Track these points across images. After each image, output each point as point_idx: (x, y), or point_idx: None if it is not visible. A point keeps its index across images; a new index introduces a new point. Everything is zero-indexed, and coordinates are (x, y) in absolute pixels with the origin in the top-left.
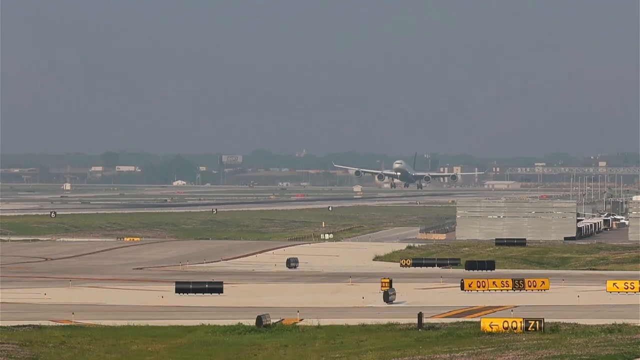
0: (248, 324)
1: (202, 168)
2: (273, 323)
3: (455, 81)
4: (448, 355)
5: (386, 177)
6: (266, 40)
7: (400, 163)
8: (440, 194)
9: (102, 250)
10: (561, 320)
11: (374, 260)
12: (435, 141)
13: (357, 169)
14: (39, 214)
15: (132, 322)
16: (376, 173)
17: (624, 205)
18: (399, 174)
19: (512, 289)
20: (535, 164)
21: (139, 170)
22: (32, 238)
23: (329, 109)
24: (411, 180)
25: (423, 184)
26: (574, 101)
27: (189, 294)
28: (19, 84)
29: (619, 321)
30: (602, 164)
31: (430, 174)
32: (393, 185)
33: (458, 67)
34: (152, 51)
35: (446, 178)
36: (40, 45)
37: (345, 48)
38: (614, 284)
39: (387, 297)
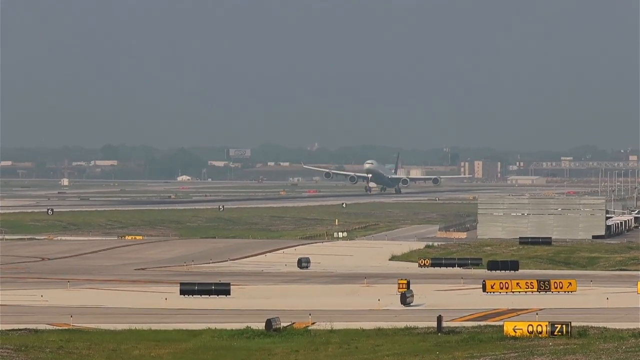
0: (257, 328)
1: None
2: (283, 327)
3: (476, 72)
4: None
5: (359, 180)
6: (277, 31)
7: (371, 163)
8: (460, 190)
9: (102, 250)
10: (589, 324)
11: (390, 260)
12: (456, 134)
13: (327, 170)
14: (35, 211)
15: (133, 326)
16: (348, 175)
17: None
18: (369, 175)
19: (537, 291)
20: (562, 158)
21: (141, 164)
22: (28, 237)
23: (342, 100)
24: (387, 183)
25: (402, 188)
26: (602, 92)
27: (194, 296)
28: (14, 74)
29: None
30: (632, 157)
31: (409, 176)
32: (368, 189)
33: (479, 58)
34: (156, 43)
35: (428, 181)
36: (39, 36)
37: (361, 39)
38: None
39: (405, 299)
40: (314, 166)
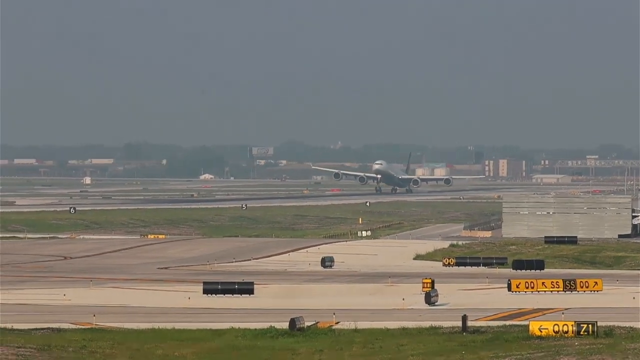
0: (281, 327)
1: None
2: (307, 326)
3: (501, 69)
4: None
5: (368, 180)
6: (300, 29)
7: (381, 164)
8: (484, 189)
9: (125, 249)
10: (616, 324)
11: (414, 259)
12: (481, 132)
13: (336, 171)
14: (57, 209)
15: (157, 325)
16: (357, 175)
17: None
18: (379, 176)
19: (563, 290)
20: (587, 156)
21: (163, 162)
22: (50, 235)
23: (366, 98)
24: (398, 183)
25: (413, 188)
26: (627, 88)
27: (217, 295)
28: (35, 72)
29: None
30: None
31: (420, 177)
32: (378, 189)
33: (502, 55)
34: (178, 39)
35: (440, 181)
36: (55, 34)
37: (386, 37)
38: None
39: (429, 298)
40: (322, 166)
